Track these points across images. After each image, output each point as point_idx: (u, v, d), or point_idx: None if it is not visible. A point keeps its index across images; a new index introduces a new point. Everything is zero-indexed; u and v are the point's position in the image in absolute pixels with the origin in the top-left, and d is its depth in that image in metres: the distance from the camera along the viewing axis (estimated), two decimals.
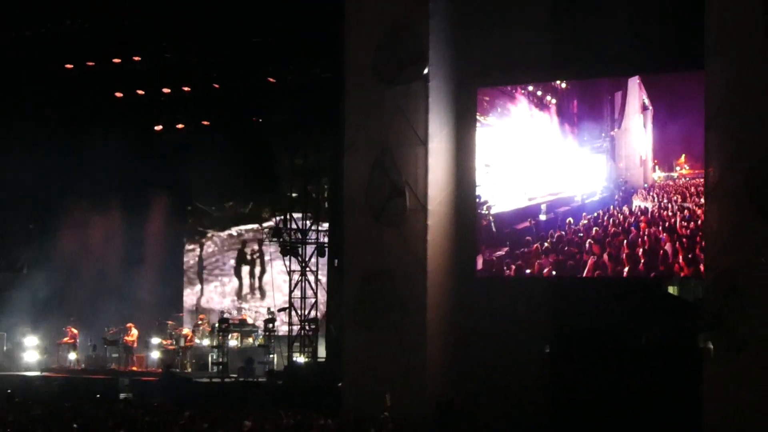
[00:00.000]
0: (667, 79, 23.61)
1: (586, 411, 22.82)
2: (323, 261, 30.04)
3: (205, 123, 34.50)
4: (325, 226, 30.19)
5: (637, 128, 23.64)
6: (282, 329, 31.06)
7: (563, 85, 24.62)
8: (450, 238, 24.34)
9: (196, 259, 37.14)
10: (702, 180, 21.77)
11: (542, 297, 24.01)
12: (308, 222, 30.51)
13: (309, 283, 30.00)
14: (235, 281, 36.37)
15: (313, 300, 30.20)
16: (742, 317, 20.02)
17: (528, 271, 24.25)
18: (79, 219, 35.35)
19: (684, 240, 22.54)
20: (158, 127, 35.29)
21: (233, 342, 31.34)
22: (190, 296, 36.89)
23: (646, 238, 23.07)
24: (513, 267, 24.46)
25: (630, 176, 23.72)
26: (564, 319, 23.81)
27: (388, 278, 23.79)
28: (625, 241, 23.27)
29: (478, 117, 24.81)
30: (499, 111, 25.06)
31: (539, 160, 24.69)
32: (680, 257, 22.55)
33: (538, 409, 23.18)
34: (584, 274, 23.61)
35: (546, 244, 24.07)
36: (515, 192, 24.81)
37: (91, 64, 32.34)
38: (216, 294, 36.63)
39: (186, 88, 32.95)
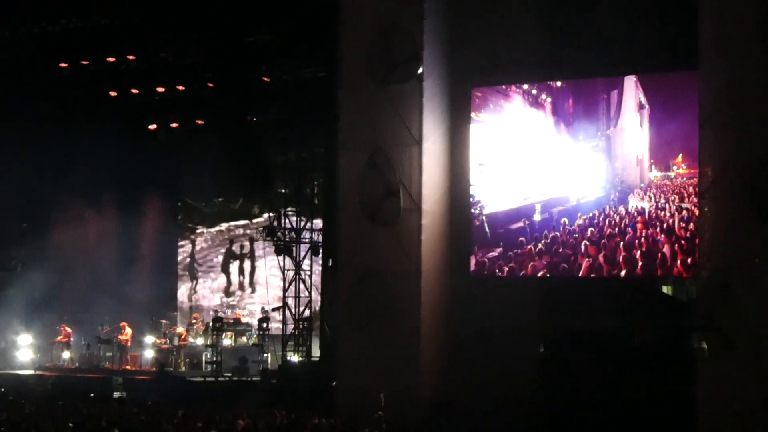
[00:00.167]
0: (663, 78, 23.52)
1: (580, 411, 22.84)
2: (317, 260, 30.02)
3: (200, 122, 34.47)
4: (320, 225, 30.16)
5: (634, 127, 23.57)
6: (275, 327, 31.02)
7: (558, 84, 24.56)
8: (444, 238, 24.35)
9: (189, 256, 37.12)
10: None
11: (536, 297, 23.98)
12: (302, 221, 30.48)
13: (303, 282, 29.98)
14: (231, 279, 36.38)
15: (307, 299, 30.18)
16: (735, 317, 20.03)
17: (522, 273, 24.22)
18: (73, 218, 35.33)
19: (683, 242, 22.40)
20: (152, 126, 35.27)
21: (227, 341, 31.33)
22: (183, 294, 36.87)
23: (643, 240, 22.95)
24: (506, 269, 24.42)
25: (626, 176, 23.62)
26: (558, 319, 23.79)
27: (382, 278, 23.80)
28: (622, 243, 23.18)
29: (471, 114, 24.79)
30: (491, 107, 24.99)
31: (534, 159, 24.63)
32: (679, 260, 22.42)
33: (532, 409, 23.17)
34: (579, 276, 23.61)
35: (540, 246, 24.03)
36: (509, 191, 24.77)
37: (85, 62, 32.33)
38: (208, 291, 36.65)
39: (180, 87, 32.93)
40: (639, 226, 23.10)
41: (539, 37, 23.89)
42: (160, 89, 33.13)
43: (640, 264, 22.92)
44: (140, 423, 18.92)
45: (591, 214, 23.75)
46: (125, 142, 33.42)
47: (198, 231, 37.06)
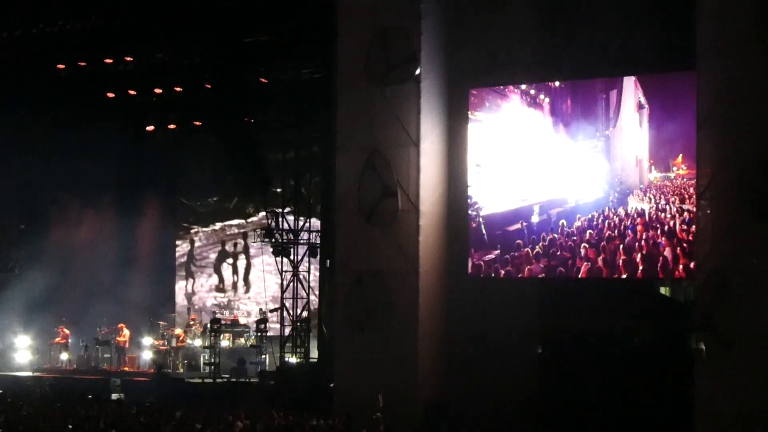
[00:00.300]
0: (662, 78, 23.32)
1: (578, 412, 22.83)
2: (315, 261, 30.01)
3: (197, 123, 34.46)
4: (317, 226, 30.16)
5: (633, 127, 23.37)
6: (273, 328, 31.02)
7: (556, 84, 24.39)
8: (442, 239, 24.34)
9: (186, 256, 37.14)
10: None
11: (534, 297, 23.98)
12: (300, 222, 30.47)
13: (301, 283, 29.98)
14: (224, 277, 36.40)
15: (305, 300, 30.17)
16: (733, 318, 20.04)
17: (519, 276, 24.13)
18: (70, 219, 35.38)
19: (685, 245, 22.09)
20: (150, 128, 35.25)
21: (225, 342, 31.32)
22: (181, 293, 36.88)
23: (643, 242, 22.71)
24: (502, 273, 24.27)
25: (625, 176, 23.36)
26: (556, 320, 23.78)
27: (380, 279, 23.80)
28: (622, 246, 22.98)
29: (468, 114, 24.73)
30: (487, 106, 24.82)
31: (532, 160, 24.47)
32: (681, 265, 22.15)
33: (531, 409, 23.20)
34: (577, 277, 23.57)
35: (537, 249, 23.87)
36: (507, 193, 24.63)
37: (82, 64, 32.29)
38: (204, 290, 36.66)
39: (178, 89, 32.91)
40: (639, 228, 22.86)
41: (537, 37, 23.88)
42: (158, 90, 33.10)
43: (640, 268, 22.70)
44: (138, 424, 18.93)
45: (590, 216, 23.54)
46: (123, 143, 33.52)
47: (193, 230, 37.09)
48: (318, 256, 29.40)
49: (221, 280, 36.36)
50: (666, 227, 22.58)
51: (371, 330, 23.80)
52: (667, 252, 22.41)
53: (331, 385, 24.85)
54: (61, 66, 32.39)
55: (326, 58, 26.82)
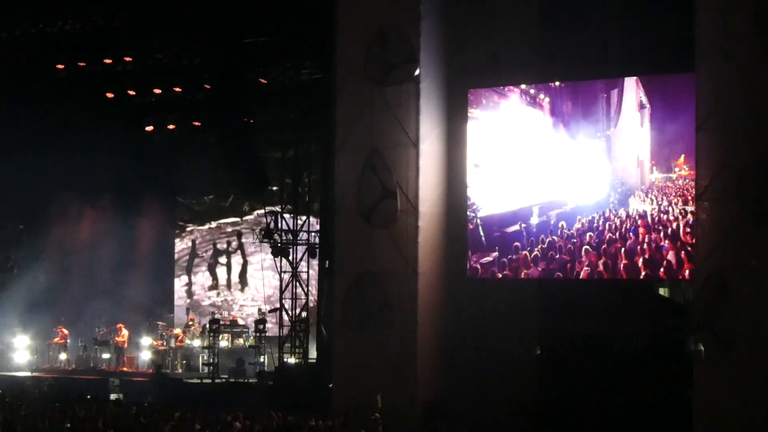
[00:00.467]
0: (664, 77, 23.15)
1: (577, 413, 22.81)
2: (314, 262, 29.98)
3: (197, 123, 34.44)
4: (316, 226, 30.13)
5: (634, 127, 23.22)
6: (272, 328, 31.02)
7: (556, 83, 24.26)
8: (441, 239, 24.33)
9: (184, 255, 37.15)
10: None
11: (533, 298, 23.97)
12: (299, 222, 30.45)
13: (300, 283, 29.96)
14: (219, 276, 36.42)
15: (304, 301, 30.15)
16: (732, 319, 20.04)
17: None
18: (69, 220, 35.37)
19: (689, 249, 21.77)
20: (149, 128, 35.23)
21: (224, 343, 31.31)
22: (180, 295, 36.88)
23: (646, 246, 22.50)
24: (499, 276, 24.19)
25: (627, 177, 23.21)
26: (555, 321, 23.77)
27: (378, 279, 23.81)
28: (623, 249, 22.81)
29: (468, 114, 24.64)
30: (484, 103, 24.68)
31: (531, 160, 24.34)
32: (687, 270, 21.89)
33: (529, 410, 23.19)
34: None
35: (536, 252, 23.75)
36: (506, 193, 24.53)
37: (82, 64, 32.28)
38: (201, 289, 36.66)
39: (177, 89, 32.90)
40: (641, 230, 22.63)
41: (537, 38, 23.88)
42: (157, 91, 33.09)
43: (643, 273, 22.56)
44: (137, 425, 18.91)
45: (590, 218, 23.37)
46: (122, 144, 33.45)
47: (188, 229, 37.11)
48: (317, 257, 29.38)
49: (215, 278, 36.39)
50: (669, 229, 22.35)
51: (370, 330, 23.80)
52: (671, 256, 22.22)
53: (330, 385, 24.84)
54: (60, 66, 32.37)
55: (325, 59, 26.79)
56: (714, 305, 20.28)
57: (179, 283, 37.04)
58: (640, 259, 22.58)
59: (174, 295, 36.88)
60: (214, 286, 36.38)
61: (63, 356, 32.98)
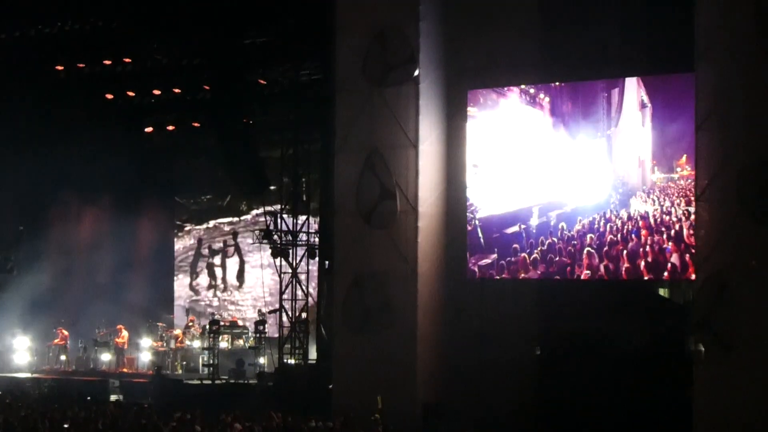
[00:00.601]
0: (665, 77, 22.97)
1: (577, 413, 22.80)
2: (313, 262, 29.98)
3: (196, 124, 34.44)
4: (316, 227, 30.13)
5: (635, 127, 23.03)
6: (271, 329, 31.00)
7: (556, 83, 24.15)
8: (440, 240, 24.31)
9: (184, 255, 37.16)
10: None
11: (533, 299, 23.94)
12: (299, 222, 30.44)
13: (299, 284, 29.95)
14: (217, 275, 36.43)
15: (303, 301, 30.14)
16: (732, 319, 20.03)
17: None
18: (69, 220, 35.37)
19: (693, 251, 21.46)
20: (149, 129, 35.24)
21: (224, 344, 31.28)
22: (180, 296, 36.88)
23: (648, 248, 22.28)
24: (498, 279, 24.15)
25: (628, 177, 23.03)
26: (555, 321, 23.74)
27: (378, 280, 23.79)
28: (625, 251, 22.63)
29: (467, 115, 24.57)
30: (482, 102, 24.57)
31: (531, 160, 24.22)
32: (691, 272, 21.59)
33: (528, 412, 23.16)
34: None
35: (535, 254, 23.63)
36: (505, 194, 24.41)
37: (81, 65, 32.29)
38: (202, 288, 36.68)
39: (176, 90, 32.90)
40: (643, 232, 22.40)
41: (536, 38, 23.81)
42: (157, 92, 33.10)
43: (645, 278, 22.47)
44: (137, 426, 18.90)
45: (591, 219, 23.19)
46: (122, 145, 33.44)
47: (186, 228, 37.12)
48: (316, 257, 29.37)
49: (213, 278, 36.39)
50: (672, 231, 22.11)
51: (370, 331, 23.79)
52: (675, 258, 22.00)
53: (330, 386, 24.83)
54: (59, 67, 32.41)
55: (325, 60, 26.79)
56: (714, 305, 20.27)
57: (179, 284, 37.03)
58: (642, 262, 22.40)
59: (174, 296, 36.87)
60: (212, 286, 36.38)
61: (63, 357, 32.97)
